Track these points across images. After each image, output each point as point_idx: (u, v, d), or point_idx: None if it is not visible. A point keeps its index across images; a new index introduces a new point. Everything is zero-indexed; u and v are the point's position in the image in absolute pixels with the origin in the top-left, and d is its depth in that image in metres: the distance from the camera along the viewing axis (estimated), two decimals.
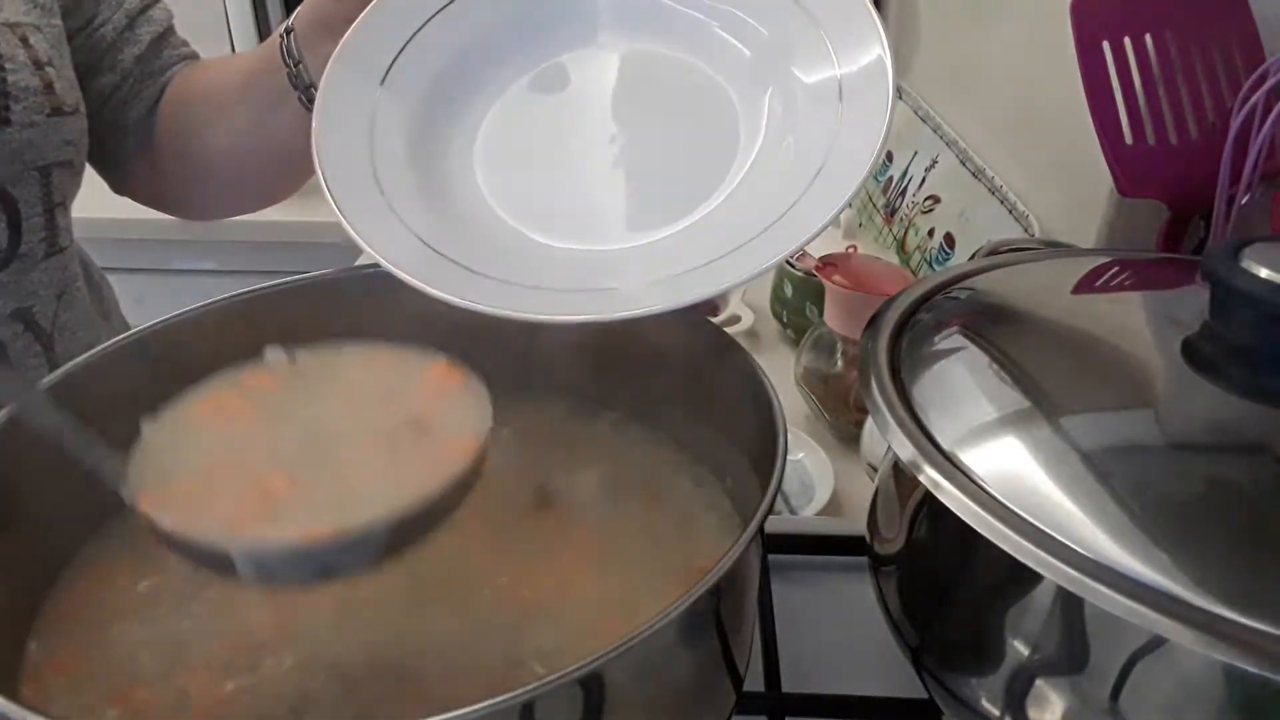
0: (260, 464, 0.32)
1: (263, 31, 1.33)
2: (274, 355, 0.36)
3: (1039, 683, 0.33)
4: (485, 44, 0.45)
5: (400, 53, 0.44)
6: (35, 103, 0.56)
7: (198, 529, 0.30)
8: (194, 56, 0.71)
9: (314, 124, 0.42)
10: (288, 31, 0.58)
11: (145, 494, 0.31)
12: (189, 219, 0.77)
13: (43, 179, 0.58)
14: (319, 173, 0.41)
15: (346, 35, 0.44)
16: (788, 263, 0.86)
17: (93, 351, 0.42)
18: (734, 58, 0.42)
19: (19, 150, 0.56)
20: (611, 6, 0.44)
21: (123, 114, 0.66)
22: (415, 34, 0.44)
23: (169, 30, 0.70)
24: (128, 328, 0.74)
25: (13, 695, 0.28)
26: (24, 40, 0.56)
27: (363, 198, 0.41)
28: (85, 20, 0.64)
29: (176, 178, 0.69)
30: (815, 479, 0.67)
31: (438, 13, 0.44)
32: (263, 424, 0.34)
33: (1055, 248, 0.51)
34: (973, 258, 0.48)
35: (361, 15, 0.45)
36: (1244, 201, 0.55)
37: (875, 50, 0.38)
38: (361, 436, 0.33)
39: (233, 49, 1.34)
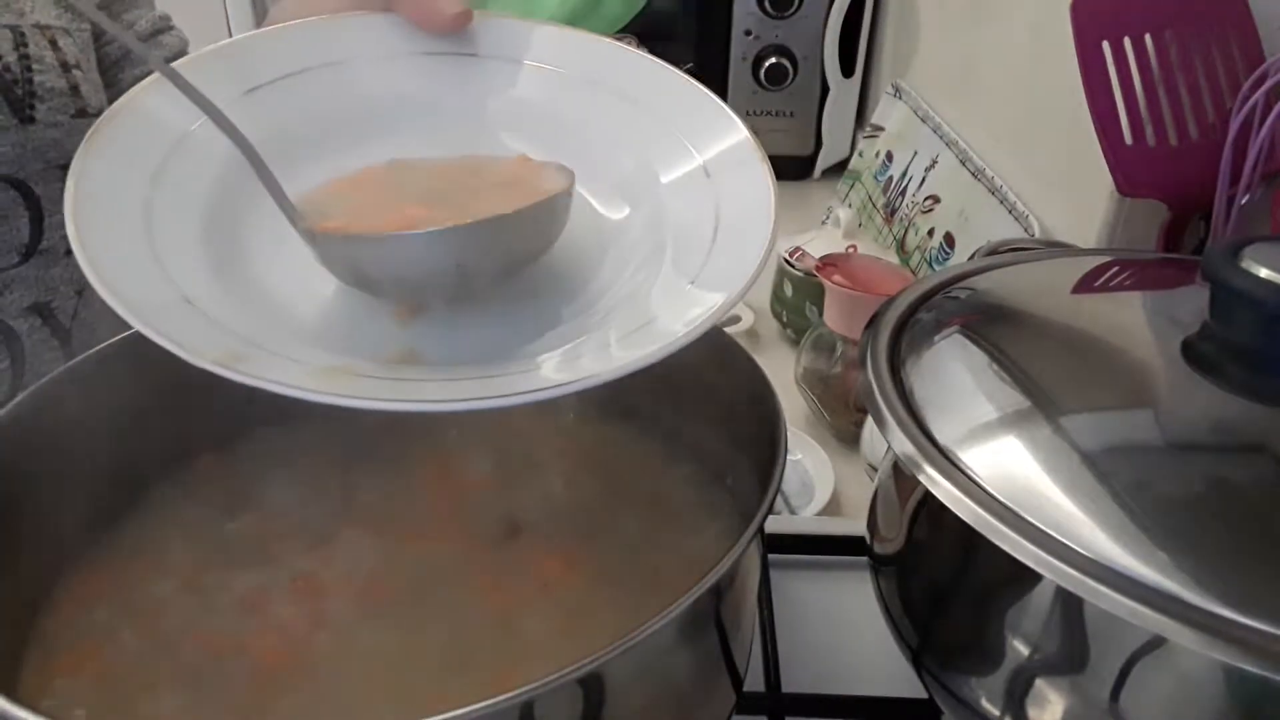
0: (398, 203, 0.36)
1: None
2: (369, 163, 0.39)
3: (1039, 683, 0.33)
4: (368, 112, 0.40)
5: (281, 79, 0.40)
6: (60, 103, 0.58)
7: (376, 230, 0.34)
8: None
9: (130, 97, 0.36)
10: None
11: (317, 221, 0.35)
12: None
13: (65, 177, 0.58)
14: (80, 156, 0.35)
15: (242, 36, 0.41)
16: (787, 263, 0.86)
17: (94, 350, 0.42)
18: (607, 171, 0.40)
19: (43, 149, 0.57)
20: (502, 116, 0.41)
21: None
22: (304, 72, 0.40)
23: (179, 58, 0.69)
24: None
25: (12, 695, 0.28)
26: (53, 43, 0.58)
27: (120, 225, 0.34)
28: (95, 35, 0.65)
29: None
30: (815, 479, 0.67)
31: (327, 66, 0.40)
32: (387, 187, 0.37)
33: (1055, 248, 0.51)
34: (973, 258, 0.48)
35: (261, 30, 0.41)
36: (1244, 201, 0.55)
37: (737, 135, 0.38)
38: (473, 189, 0.37)
39: None
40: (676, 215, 0.38)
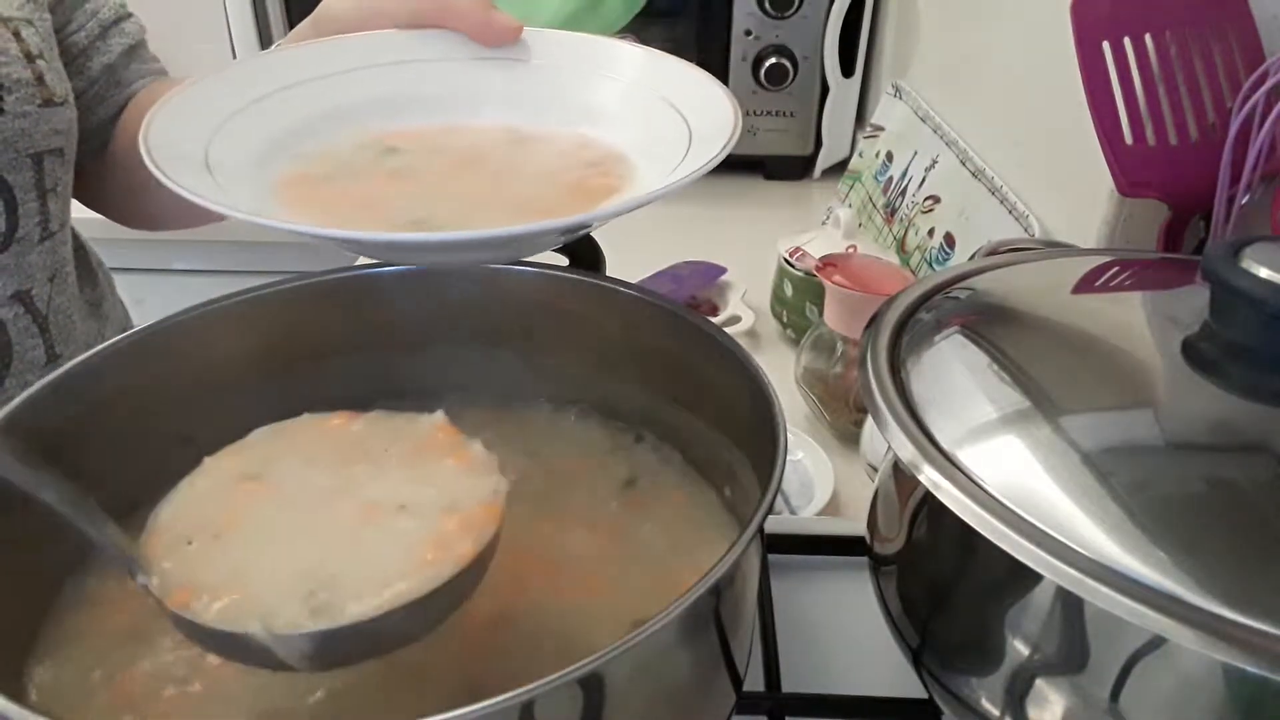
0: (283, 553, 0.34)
1: (262, 31, 1.33)
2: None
3: (1039, 683, 0.33)
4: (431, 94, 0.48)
5: (359, 69, 0.48)
6: (27, 94, 0.59)
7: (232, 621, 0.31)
8: (162, 73, 0.74)
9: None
10: None
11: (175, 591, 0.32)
12: (128, 227, 0.79)
13: (35, 166, 0.60)
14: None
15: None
16: (787, 263, 0.86)
17: (90, 352, 0.42)
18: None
19: (12, 139, 0.58)
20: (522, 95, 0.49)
21: (83, 119, 0.67)
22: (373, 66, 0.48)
23: (140, 44, 0.73)
24: (123, 317, 0.75)
25: (14, 695, 0.28)
26: (16, 34, 0.59)
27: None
28: (60, 25, 0.67)
29: (121, 187, 0.73)
30: (815, 479, 0.67)
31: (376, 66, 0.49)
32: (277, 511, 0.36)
33: (1055, 248, 0.51)
34: (973, 258, 0.48)
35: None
36: (1244, 201, 0.55)
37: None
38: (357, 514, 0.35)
39: (232, 49, 1.33)
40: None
